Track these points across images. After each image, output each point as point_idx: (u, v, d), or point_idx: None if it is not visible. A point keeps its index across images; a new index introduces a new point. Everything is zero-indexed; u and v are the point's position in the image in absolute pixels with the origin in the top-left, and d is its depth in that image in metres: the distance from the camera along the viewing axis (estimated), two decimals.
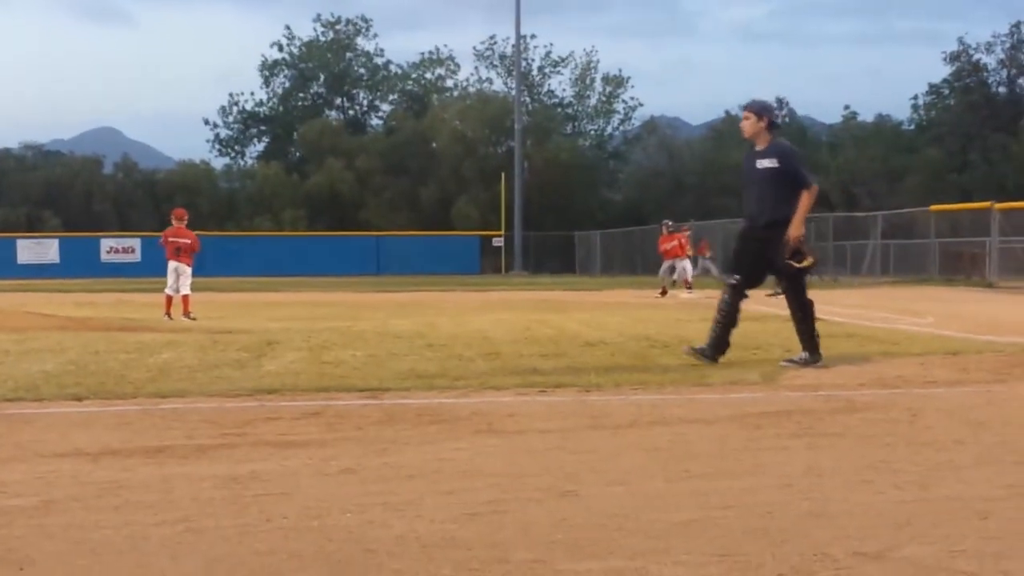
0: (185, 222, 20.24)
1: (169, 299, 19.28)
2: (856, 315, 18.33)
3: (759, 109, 10.66)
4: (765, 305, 13.55)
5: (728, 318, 10.37)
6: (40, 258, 52.12)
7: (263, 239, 59.68)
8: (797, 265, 10.18)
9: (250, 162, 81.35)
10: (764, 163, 10.36)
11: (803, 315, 10.29)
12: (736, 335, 10.55)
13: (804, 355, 10.18)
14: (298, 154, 79.65)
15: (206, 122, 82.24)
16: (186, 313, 18.63)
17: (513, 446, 6.12)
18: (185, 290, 19.24)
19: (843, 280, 39.69)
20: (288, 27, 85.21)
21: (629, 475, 5.25)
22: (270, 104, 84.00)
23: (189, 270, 19.50)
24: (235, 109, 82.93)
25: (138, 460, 5.73)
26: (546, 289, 36.56)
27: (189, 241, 19.84)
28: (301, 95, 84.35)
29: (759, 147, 10.51)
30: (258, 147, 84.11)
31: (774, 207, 10.22)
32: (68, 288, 33.36)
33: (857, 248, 43.99)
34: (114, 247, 53.55)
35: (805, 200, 10.20)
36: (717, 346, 10.31)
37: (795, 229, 10.10)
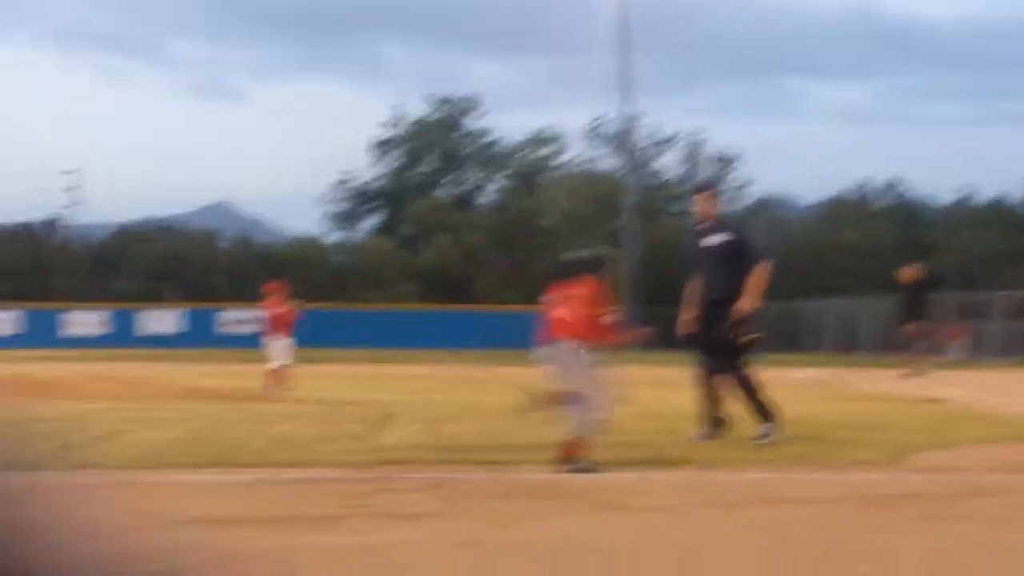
0: (279, 295, 20.63)
1: (278, 371, 19.56)
2: (980, 398, 17.86)
3: (714, 187, 11.05)
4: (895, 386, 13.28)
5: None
6: (160, 329, 53.42)
7: (374, 312, 60.40)
8: (742, 339, 10.14)
9: (362, 237, 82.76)
10: (715, 239, 10.47)
11: (747, 390, 10.17)
12: (860, 415, 10.41)
13: (765, 427, 9.99)
14: (409, 230, 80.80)
15: (318, 198, 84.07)
16: (276, 385, 18.80)
17: (629, 523, 6.10)
18: (281, 362, 19.53)
19: (966, 362, 38.73)
20: (399, 105, 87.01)
21: (748, 556, 5.19)
22: (381, 181, 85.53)
23: (285, 342, 19.84)
24: (346, 185, 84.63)
25: (261, 529, 5.83)
26: (660, 365, 36.29)
27: (282, 312, 20.29)
28: (412, 172, 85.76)
29: (707, 224, 10.57)
30: (370, 222, 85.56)
31: (727, 282, 10.26)
32: (188, 359, 34.12)
33: (979, 329, 42.91)
34: (231, 318, 54.63)
35: (758, 274, 10.21)
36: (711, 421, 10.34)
37: (747, 303, 10.09)
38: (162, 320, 53.89)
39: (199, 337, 50.63)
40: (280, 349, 19.47)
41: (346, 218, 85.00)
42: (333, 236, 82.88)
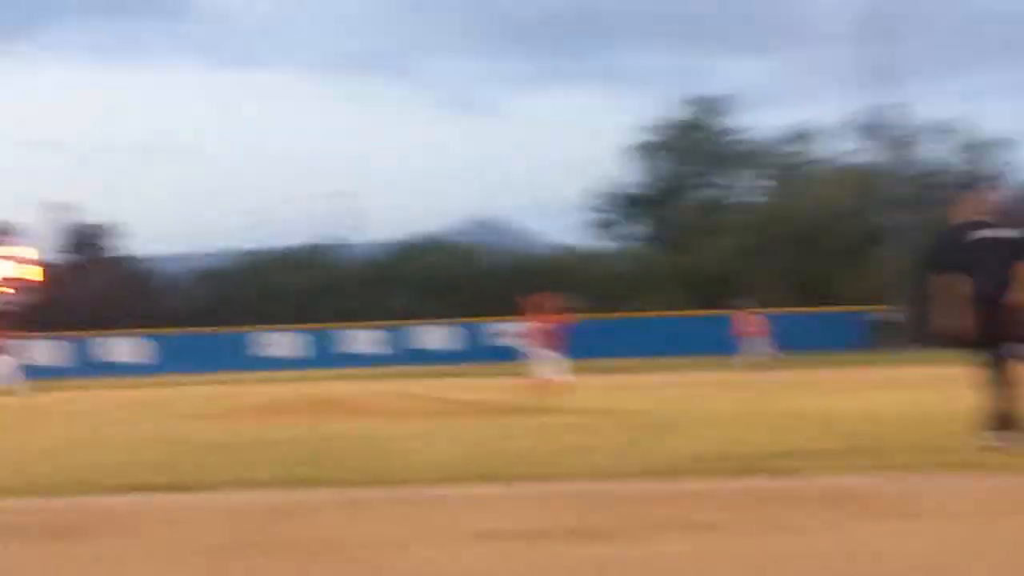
0: (545, 308, 20.98)
1: (547, 383, 19.82)
2: None
3: (994, 180, 10.44)
4: None
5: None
6: (434, 344, 55.10)
7: (639, 320, 60.39)
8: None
9: (624, 244, 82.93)
10: (1000, 234, 9.86)
11: None
12: None
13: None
14: (670, 234, 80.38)
15: (579, 206, 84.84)
16: (543, 396, 19.01)
17: (924, 532, 5.86)
18: (549, 374, 19.78)
19: None
20: (655, 108, 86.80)
21: None
22: (640, 186, 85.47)
23: (552, 354, 20.08)
24: (605, 193, 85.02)
25: (550, 542, 5.92)
26: (933, 365, 34.67)
27: (549, 324, 20.58)
28: (671, 176, 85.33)
29: (985, 219, 10.10)
30: (632, 229, 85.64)
31: (1006, 278, 9.68)
32: (462, 373, 35.06)
33: None
34: (500, 331, 55.81)
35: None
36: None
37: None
38: (437, 335, 55.71)
39: (472, 351, 52.06)
40: (547, 361, 19.75)
41: (607, 225, 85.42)
42: (594, 244, 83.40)
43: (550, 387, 19.58)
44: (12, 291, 50.02)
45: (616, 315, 61.26)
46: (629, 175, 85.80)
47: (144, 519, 7.22)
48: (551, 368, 19.88)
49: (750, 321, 37.42)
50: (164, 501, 7.89)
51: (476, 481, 8.33)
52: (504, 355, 51.72)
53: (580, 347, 37.09)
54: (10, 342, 31.47)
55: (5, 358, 30.66)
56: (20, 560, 6.00)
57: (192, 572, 5.51)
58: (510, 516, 6.76)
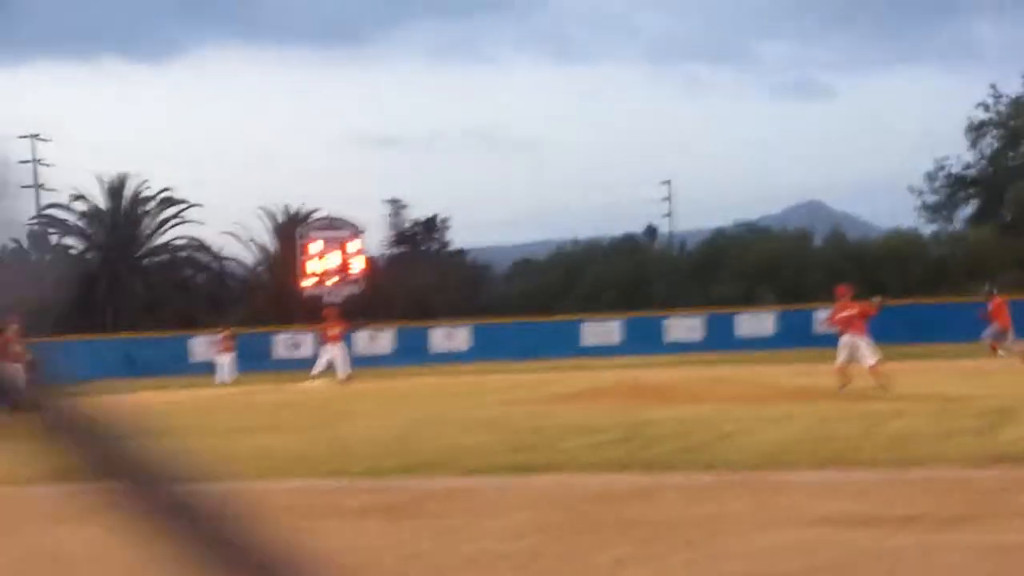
0: (848, 297, 20.70)
1: (841, 370, 19.39)
2: None
3: None
4: None
5: None
6: (756, 331, 54.28)
7: (978, 305, 56.99)
8: None
9: (959, 226, 78.90)
10: None
11: None
12: None
13: None
14: (1009, 216, 75.76)
15: (911, 189, 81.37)
16: (880, 384, 18.31)
17: None
18: (869, 360, 19.28)
19: None
20: (994, 86, 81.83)
21: None
22: (978, 166, 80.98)
23: (862, 341, 19.61)
24: (941, 173, 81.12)
25: (887, 529, 5.77)
26: None
27: (853, 312, 20.23)
28: (1011, 155, 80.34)
29: None
30: (967, 210, 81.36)
31: None
32: (783, 360, 34.45)
33: None
34: (823, 319, 54.40)
35: None
36: None
37: None
38: (758, 323, 54.91)
39: (794, 338, 50.95)
40: (855, 348, 19.46)
41: (941, 208, 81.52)
42: (929, 228, 79.78)
43: (872, 373, 19.02)
44: (341, 283, 53.12)
45: (952, 299, 58.37)
46: (967, 156, 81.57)
47: (485, 498, 7.56)
48: (865, 354, 19.39)
49: None
50: (506, 482, 8.23)
51: (808, 467, 8.20)
52: (828, 342, 50.73)
53: (911, 333, 35.60)
54: (340, 333, 33.38)
55: (335, 348, 32.58)
56: (375, 536, 6.43)
57: (532, 548, 5.73)
58: (845, 502, 6.63)
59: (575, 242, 75.76)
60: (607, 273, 64.52)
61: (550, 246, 79.77)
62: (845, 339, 19.68)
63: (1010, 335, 28.41)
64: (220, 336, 38.66)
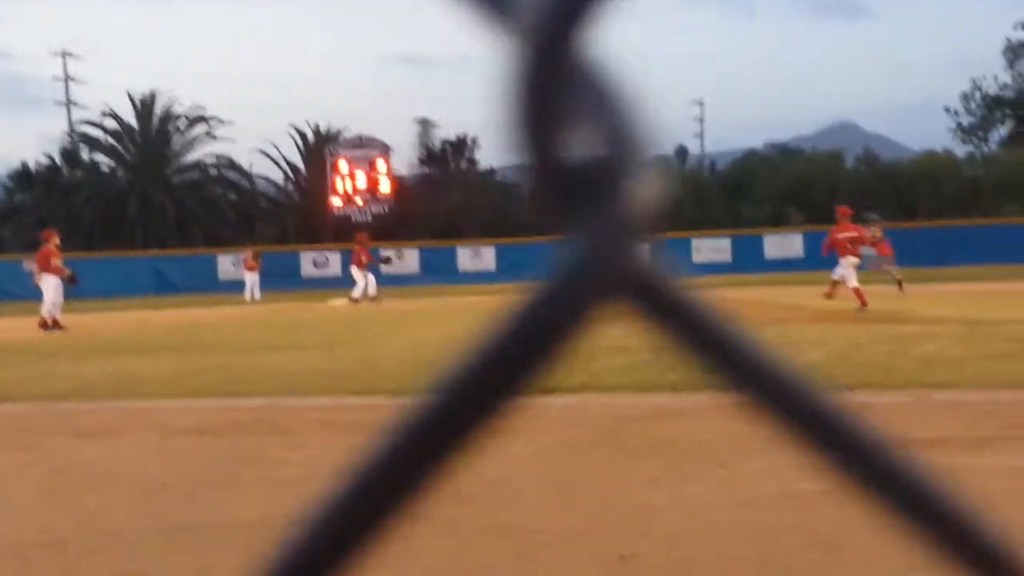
0: (848, 218, 21.09)
1: (853, 289, 19.81)
2: None
3: None
4: None
5: None
6: (785, 253, 54.07)
7: (1010, 227, 56.61)
8: None
9: (994, 148, 77.95)
10: None
11: None
12: None
13: None
14: None
15: (947, 110, 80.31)
16: (862, 304, 18.74)
17: None
18: (852, 282, 19.94)
19: None
20: None
21: None
22: (1015, 87, 79.72)
23: (847, 260, 20.19)
24: (977, 94, 79.96)
25: (917, 451, 5.80)
26: None
27: (851, 235, 20.68)
28: None
29: None
30: (1002, 132, 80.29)
31: None
32: (812, 282, 34.35)
33: None
34: (849, 239, 54.13)
35: None
36: None
37: None
38: (787, 244, 54.69)
39: (824, 260, 50.74)
40: (846, 268, 20.37)
41: (976, 129, 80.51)
42: (963, 149, 78.86)
43: (856, 293, 19.67)
44: (369, 202, 53.08)
45: (983, 222, 57.87)
46: (1002, 76, 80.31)
47: (514, 418, 7.61)
48: (852, 275, 20.41)
49: None
50: (535, 402, 8.27)
51: (839, 390, 8.17)
52: (862, 264, 50.62)
53: (940, 255, 35.34)
54: (370, 256, 33.66)
55: (365, 270, 32.93)
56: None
57: (564, 468, 5.79)
58: (882, 424, 6.62)
59: None
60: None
61: None
62: (849, 259, 20.32)
63: (893, 262, 28.61)
64: (244, 255, 39.01)
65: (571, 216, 0.35)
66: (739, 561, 4.01)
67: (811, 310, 18.14)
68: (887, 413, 7.07)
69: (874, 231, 28.24)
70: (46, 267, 22.10)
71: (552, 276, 0.35)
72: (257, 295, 35.72)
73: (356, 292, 31.97)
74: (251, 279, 36.71)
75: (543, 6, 0.36)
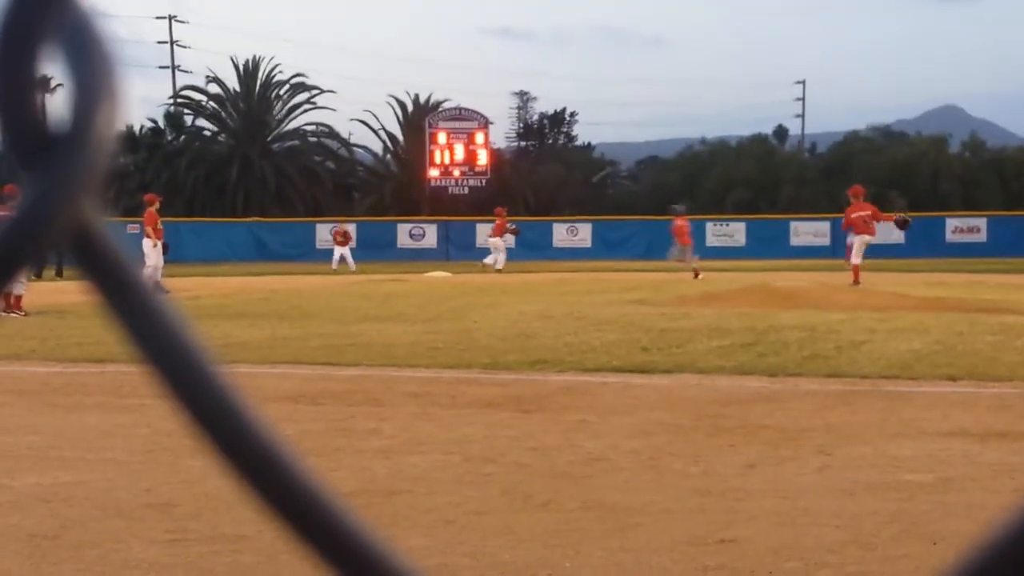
0: (862, 197, 21.72)
1: (853, 266, 21.05)
2: None
3: None
4: None
5: None
6: (886, 238, 52.96)
7: None
8: None
9: None
10: None
11: None
12: None
13: None
14: None
15: None
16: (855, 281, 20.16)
17: None
18: (855, 259, 21.12)
19: None
20: None
21: None
22: None
23: (863, 240, 21.11)
24: None
25: (1021, 444, 5.68)
26: None
27: (864, 214, 21.33)
28: None
29: None
30: None
31: None
32: (915, 268, 33.71)
33: None
34: (959, 227, 53.02)
35: None
36: None
37: None
38: (888, 230, 53.60)
39: (925, 247, 49.67)
40: (860, 246, 20.92)
41: None
42: None
43: (854, 271, 20.65)
44: (466, 174, 53.21)
45: None
46: None
47: (612, 396, 7.61)
48: (858, 252, 21.12)
49: None
50: (632, 381, 8.28)
51: (942, 379, 8.04)
52: (961, 251, 49.44)
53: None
54: (504, 228, 35.57)
55: (499, 241, 35.17)
56: (503, 428, 6.54)
57: (660, 448, 5.77)
58: (980, 416, 6.51)
59: (703, 141, 74.61)
60: (734, 173, 63.34)
61: (678, 144, 78.73)
62: (864, 238, 20.82)
63: (690, 252, 28.78)
64: (334, 230, 39.87)
65: (35, 165, 0.38)
66: (835, 548, 3.96)
67: (916, 298, 17.74)
68: (992, 405, 6.92)
69: (679, 223, 29.34)
70: (155, 231, 22.54)
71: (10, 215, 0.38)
72: (351, 265, 36.06)
73: (499, 263, 33.90)
74: (339, 252, 37.24)
75: None
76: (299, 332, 12.29)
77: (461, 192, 53.04)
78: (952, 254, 47.50)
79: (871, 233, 21.58)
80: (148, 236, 22.46)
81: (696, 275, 26.51)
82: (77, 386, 8.37)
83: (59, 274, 28.19)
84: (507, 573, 3.79)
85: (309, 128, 62.97)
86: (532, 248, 47.23)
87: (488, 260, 34.82)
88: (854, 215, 21.65)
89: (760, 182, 62.61)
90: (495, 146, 58.26)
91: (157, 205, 23.08)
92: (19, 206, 0.38)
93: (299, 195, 57.31)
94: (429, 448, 5.84)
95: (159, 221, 22.85)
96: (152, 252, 22.33)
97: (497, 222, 36.11)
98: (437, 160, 53.18)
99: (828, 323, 12.54)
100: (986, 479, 4.92)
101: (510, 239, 38.81)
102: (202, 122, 62.62)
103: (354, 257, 37.10)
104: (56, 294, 17.13)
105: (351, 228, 40.50)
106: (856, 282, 20.22)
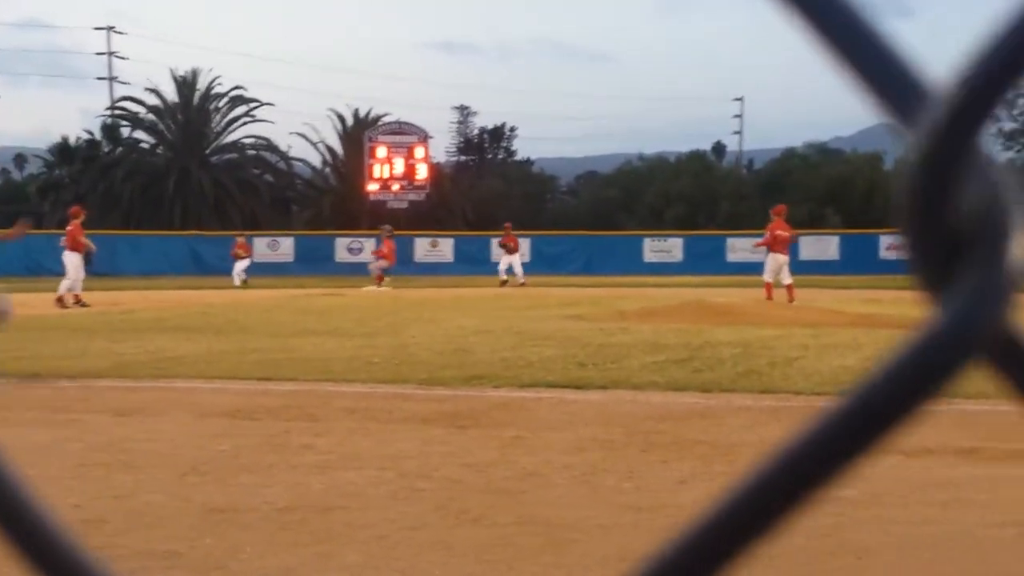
0: (783, 216, 22.69)
1: (766, 284, 22.11)
2: None
3: None
4: None
5: None
6: (820, 255, 53.69)
7: None
8: None
9: None
10: None
11: None
12: None
13: None
14: None
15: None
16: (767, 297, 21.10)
17: None
18: (787, 280, 21.80)
19: None
20: None
21: None
22: None
23: (786, 260, 22.14)
24: (1021, 100, 79.13)
25: (946, 459, 5.78)
26: None
27: (779, 234, 22.26)
28: None
29: None
30: None
31: None
32: (850, 284, 34.20)
33: None
34: (893, 243, 53.76)
35: None
36: None
37: None
38: (822, 246, 54.33)
39: (859, 264, 50.41)
40: (786, 267, 21.48)
41: (1019, 135, 79.70)
42: (1005, 156, 78.08)
43: (789, 290, 21.46)
44: (405, 189, 53.13)
45: None
46: None
47: (547, 412, 7.65)
48: (787, 273, 21.72)
49: None
50: (568, 396, 8.33)
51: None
52: (894, 268, 50.19)
53: None
54: (515, 243, 36.19)
55: (514, 256, 35.72)
56: (438, 444, 6.55)
57: (595, 463, 5.82)
58: (914, 433, 6.61)
59: (641, 157, 75.09)
60: (672, 189, 63.85)
61: (617, 160, 79.17)
62: (778, 258, 21.40)
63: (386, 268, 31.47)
64: (236, 241, 38.58)
65: (948, 276, 0.36)
66: (768, 563, 4.02)
67: (849, 314, 17.98)
68: (921, 421, 7.04)
69: (383, 247, 31.06)
70: (74, 246, 22.32)
71: (926, 334, 0.35)
72: (237, 282, 34.94)
73: (519, 276, 34.66)
74: (239, 265, 36.21)
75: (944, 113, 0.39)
76: (236, 346, 12.20)
77: (400, 206, 52.93)
78: (886, 271, 48.18)
79: (784, 253, 22.33)
80: (72, 249, 22.24)
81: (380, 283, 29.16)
82: (12, 400, 8.26)
83: None
84: None
85: (248, 141, 62.57)
86: (471, 262, 47.22)
87: (517, 272, 35.24)
88: (777, 233, 22.35)
89: (698, 198, 63.13)
90: (435, 160, 58.24)
91: (82, 218, 22.89)
92: (943, 318, 0.35)
93: (237, 208, 56.85)
94: (364, 464, 5.84)
95: (83, 234, 22.64)
96: (72, 266, 22.13)
97: (505, 238, 36.77)
98: (376, 174, 53.01)
99: (762, 339, 12.69)
100: (912, 493, 5.01)
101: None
102: (140, 134, 61.95)
103: (293, 271, 36.76)
104: None
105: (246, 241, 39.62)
106: (768, 298, 21.15)
